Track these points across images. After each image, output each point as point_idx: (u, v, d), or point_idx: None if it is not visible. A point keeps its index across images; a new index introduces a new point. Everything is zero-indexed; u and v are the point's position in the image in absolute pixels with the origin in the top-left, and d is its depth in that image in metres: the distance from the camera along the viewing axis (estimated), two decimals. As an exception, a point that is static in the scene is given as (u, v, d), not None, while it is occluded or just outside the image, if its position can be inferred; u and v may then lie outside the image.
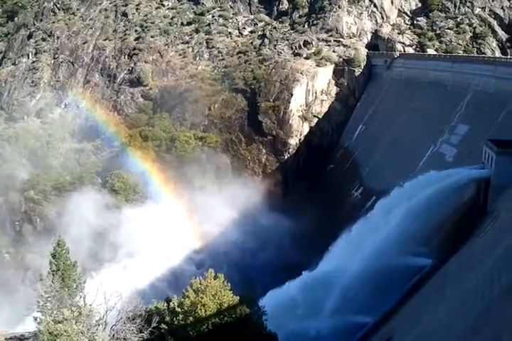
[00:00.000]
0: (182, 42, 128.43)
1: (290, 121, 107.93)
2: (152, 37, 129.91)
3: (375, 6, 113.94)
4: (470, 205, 50.93)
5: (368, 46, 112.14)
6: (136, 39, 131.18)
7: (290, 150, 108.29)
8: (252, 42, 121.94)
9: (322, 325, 49.94)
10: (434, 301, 40.24)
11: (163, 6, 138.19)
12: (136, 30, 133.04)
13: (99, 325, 32.31)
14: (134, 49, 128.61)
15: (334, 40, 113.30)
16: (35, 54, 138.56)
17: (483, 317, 29.36)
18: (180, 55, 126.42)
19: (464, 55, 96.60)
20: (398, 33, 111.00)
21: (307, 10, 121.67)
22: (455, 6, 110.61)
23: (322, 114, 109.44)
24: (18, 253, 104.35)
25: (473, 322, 29.77)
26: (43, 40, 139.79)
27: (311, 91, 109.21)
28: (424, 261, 49.18)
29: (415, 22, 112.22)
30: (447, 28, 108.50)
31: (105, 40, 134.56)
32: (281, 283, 59.27)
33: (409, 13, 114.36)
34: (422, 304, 42.59)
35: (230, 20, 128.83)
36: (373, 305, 49.48)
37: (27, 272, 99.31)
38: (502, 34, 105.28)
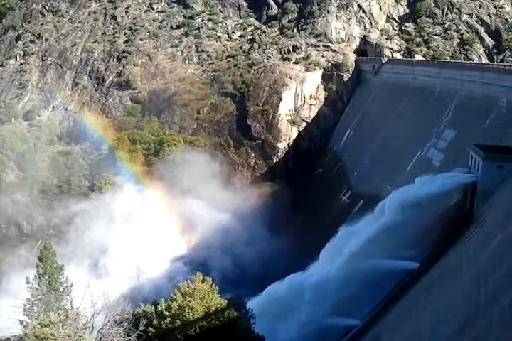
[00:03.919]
0: (171, 46, 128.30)
1: (279, 126, 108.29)
2: (141, 40, 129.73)
3: (363, 11, 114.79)
4: (457, 210, 51.22)
5: (357, 51, 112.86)
6: (125, 42, 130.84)
7: (279, 154, 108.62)
8: (241, 47, 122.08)
9: (308, 327, 49.98)
10: (420, 305, 40.45)
11: (153, 9, 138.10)
12: (125, 33, 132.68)
13: (86, 328, 32.24)
14: (123, 52, 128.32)
15: (323, 45, 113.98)
16: (23, 56, 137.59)
17: (469, 320, 29.55)
18: (169, 58, 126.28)
19: (452, 61, 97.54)
20: (386, 39, 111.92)
21: (296, 15, 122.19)
22: (443, 13, 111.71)
23: (311, 119, 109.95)
24: (5, 256, 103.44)
25: (460, 325, 29.95)
26: (32, 42, 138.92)
27: (299, 96, 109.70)
28: (411, 264, 49.40)
29: (403, 28, 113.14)
30: (435, 34, 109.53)
31: (94, 42, 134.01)
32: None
33: (397, 19, 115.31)
34: (409, 307, 42.79)
35: (220, 24, 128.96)
36: (360, 308, 49.64)
37: (12, 275, 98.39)
38: (489, 40, 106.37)
